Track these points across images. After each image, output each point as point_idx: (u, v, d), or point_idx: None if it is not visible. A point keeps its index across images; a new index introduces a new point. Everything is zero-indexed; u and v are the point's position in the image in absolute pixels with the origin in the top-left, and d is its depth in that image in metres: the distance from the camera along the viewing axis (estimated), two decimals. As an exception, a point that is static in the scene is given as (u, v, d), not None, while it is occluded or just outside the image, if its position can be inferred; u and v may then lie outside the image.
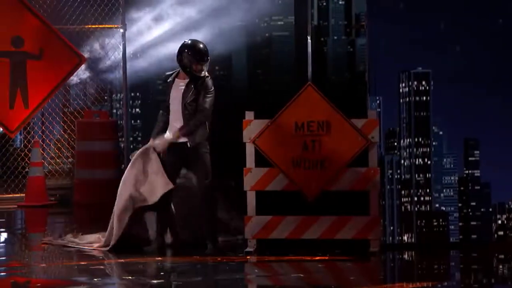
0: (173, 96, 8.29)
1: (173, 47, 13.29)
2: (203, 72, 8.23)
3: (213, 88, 8.26)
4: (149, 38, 13.22)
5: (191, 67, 8.19)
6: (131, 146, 13.21)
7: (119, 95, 13.19)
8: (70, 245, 8.63)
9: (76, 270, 7.78)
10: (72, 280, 7.38)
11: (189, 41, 8.37)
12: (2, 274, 7.66)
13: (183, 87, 8.24)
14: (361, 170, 8.36)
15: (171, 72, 8.45)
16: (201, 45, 8.32)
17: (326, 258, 8.02)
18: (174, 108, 8.26)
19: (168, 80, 8.36)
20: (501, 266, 8.41)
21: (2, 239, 9.75)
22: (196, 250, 8.25)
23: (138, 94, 13.68)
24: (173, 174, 8.29)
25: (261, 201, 8.40)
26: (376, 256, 8.20)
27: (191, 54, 8.20)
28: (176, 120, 8.26)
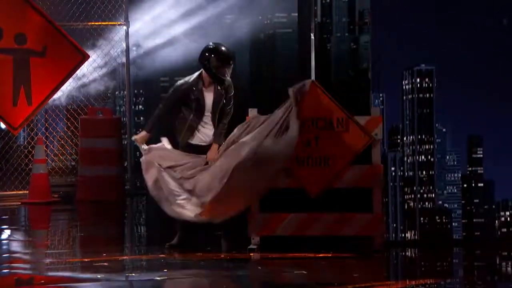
0: (207, 103, 8.29)
1: (176, 44, 13.35)
2: (227, 75, 8.26)
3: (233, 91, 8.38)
4: (152, 35, 13.24)
5: (217, 70, 8.20)
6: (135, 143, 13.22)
7: (122, 92, 13.20)
8: None
9: (79, 266, 7.78)
10: (76, 277, 7.39)
11: (214, 45, 8.36)
12: (5, 271, 7.67)
13: (212, 93, 8.28)
14: (364, 167, 8.36)
15: (193, 77, 8.36)
16: (226, 49, 8.34)
17: (330, 255, 8.02)
18: (207, 114, 8.28)
19: (197, 86, 8.29)
20: (504, 263, 8.41)
21: (6, 236, 9.77)
22: (200, 247, 8.26)
23: (141, 91, 13.67)
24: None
25: (265, 198, 8.41)
26: (379, 253, 8.20)
27: (217, 57, 8.21)
28: (207, 125, 8.28)
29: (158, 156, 8.26)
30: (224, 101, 8.31)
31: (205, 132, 8.31)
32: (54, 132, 12.69)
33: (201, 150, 8.29)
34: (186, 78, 8.40)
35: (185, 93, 8.29)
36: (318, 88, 8.43)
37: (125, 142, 12.55)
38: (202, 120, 8.30)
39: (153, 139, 8.45)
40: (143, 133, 8.39)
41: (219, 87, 8.27)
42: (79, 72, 12.38)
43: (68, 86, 12.52)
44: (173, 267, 7.75)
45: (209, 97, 8.31)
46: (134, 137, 8.44)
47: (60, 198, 11.85)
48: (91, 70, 12.68)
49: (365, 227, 8.27)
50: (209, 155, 8.19)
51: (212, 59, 8.22)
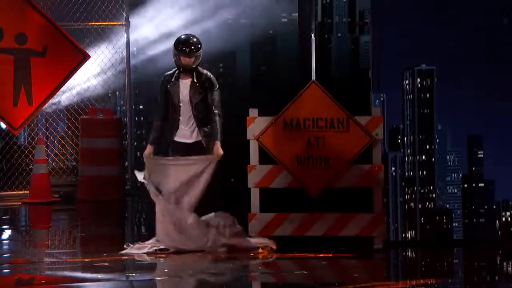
0: (183, 97, 8.19)
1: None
2: (194, 65, 8.09)
3: (217, 85, 8.24)
4: (153, 35, 13.23)
5: (180, 61, 8.10)
6: (135, 143, 13.20)
7: (122, 92, 13.19)
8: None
9: (80, 266, 7.78)
10: (76, 277, 7.39)
11: (180, 36, 8.31)
12: (6, 271, 7.67)
13: (188, 87, 8.16)
14: (365, 167, 8.36)
15: (171, 72, 8.30)
16: (188, 38, 8.17)
17: (330, 255, 8.02)
18: (185, 109, 8.18)
19: (172, 80, 8.22)
20: (505, 264, 8.40)
21: (6, 236, 9.77)
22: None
23: (141, 91, 13.65)
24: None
25: (265, 198, 8.41)
26: (380, 253, 8.20)
27: (178, 47, 8.11)
28: (187, 121, 8.18)
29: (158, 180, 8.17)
30: (204, 95, 8.13)
31: (185, 129, 8.19)
32: (54, 132, 12.68)
33: (186, 147, 8.19)
34: (168, 73, 8.34)
35: (166, 85, 8.23)
36: (319, 88, 8.44)
37: (126, 142, 12.54)
38: (180, 115, 8.17)
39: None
40: (148, 147, 8.31)
41: (195, 80, 8.16)
42: (79, 73, 12.37)
43: (68, 86, 12.51)
44: (174, 267, 7.75)
45: (185, 90, 8.17)
46: (144, 154, 8.32)
47: (61, 198, 11.85)
48: (91, 70, 12.68)
49: (366, 227, 8.28)
50: (216, 151, 8.08)
51: (175, 50, 8.17)
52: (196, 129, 8.17)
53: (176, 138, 8.22)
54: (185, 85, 8.17)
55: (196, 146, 8.19)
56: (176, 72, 8.23)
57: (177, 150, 8.23)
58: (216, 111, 8.16)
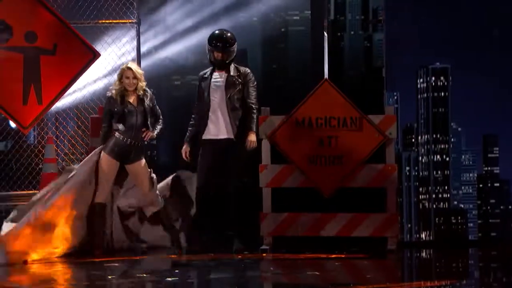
0: (214, 91, 8.17)
1: (187, 42, 13.26)
2: (228, 60, 8.13)
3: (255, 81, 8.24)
4: (163, 33, 13.17)
5: (213, 56, 8.17)
6: (145, 142, 13.10)
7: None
8: None
9: (85, 265, 7.72)
10: (80, 276, 7.33)
11: (213, 31, 8.37)
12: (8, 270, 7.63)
13: (223, 80, 8.17)
14: (378, 167, 8.27)
15: (206, 70, 8.35)
16: (222, 33, 8.23)
17: (343, 256, 7.95)
18: (216, 105, 8.16)
19: (205, 77, 8.26)
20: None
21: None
22: (212, 248, 8.20)
23: (151, 90, 13.58)
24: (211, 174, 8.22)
25: (277, 198, 8.34)
26: (393, 254, 8.11)
27: (211, 43, 8.21)
28: (217, 117, 8.16)
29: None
30: (241, 89, 8.13)
31: (216, 123, 8.16)
32: (64, 131, 12.62)
33: (214, 144, 8.16)
34: (203, 72, 8.41)
35: (200, 83, 8.30)
36: (331, 86, 8.35)
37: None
38: (210, 111, 8.16)
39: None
40: (185, 145, 8.34)
41: (231, 73, 8.18)
42: (89, 71, 12.31)
43: (78, 85, 12.45)
44: (185, 267, 7.68)
45: (218, 84, 8.19)
46: (183, 152, 8.29)
47: (71, 198, 11.78)
48: (101, 68, 12.61)
49: (379, 228, 8.19)
50: (250, 138, 8.06)
51: (208, 44, 8.24)
52: (226, 125, 8.15)
53: (204, 137, 8.22)
54: (218, 80, 8.19)
55: (223, 142, 8.15)
56: (211, 69, 8.27)
57: (206, 150, 8.20)
58: (253, 105, 8.17)
